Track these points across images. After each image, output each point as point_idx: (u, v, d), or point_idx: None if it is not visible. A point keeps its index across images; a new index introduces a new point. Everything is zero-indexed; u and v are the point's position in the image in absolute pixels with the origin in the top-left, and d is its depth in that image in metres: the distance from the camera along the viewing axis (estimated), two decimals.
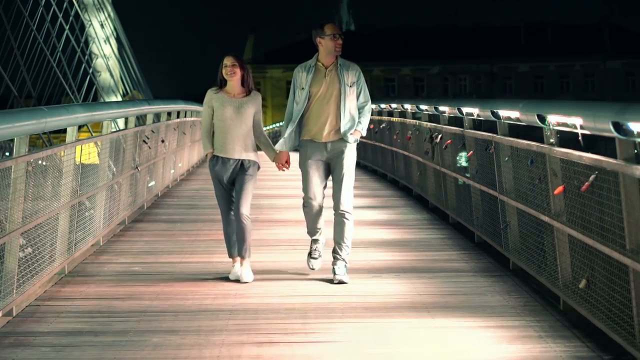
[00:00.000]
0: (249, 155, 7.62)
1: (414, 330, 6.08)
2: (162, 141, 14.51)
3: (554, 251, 6.81)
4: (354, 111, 7.56)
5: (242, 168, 7.61)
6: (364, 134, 7.65)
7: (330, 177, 7.71)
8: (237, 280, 7.62)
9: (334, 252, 7.66)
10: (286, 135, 7.62)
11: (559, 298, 6.67)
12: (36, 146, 22.25)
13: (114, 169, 10.92)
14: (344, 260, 7.62)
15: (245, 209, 7.60)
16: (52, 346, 5.73)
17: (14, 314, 6.51)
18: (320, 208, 7.73)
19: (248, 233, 7.64)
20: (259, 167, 7.71)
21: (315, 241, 7.90)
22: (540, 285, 7.21)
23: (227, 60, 7.57)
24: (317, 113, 7.54)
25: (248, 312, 6.42)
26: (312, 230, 7.87)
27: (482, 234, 9.40)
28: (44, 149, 7.79)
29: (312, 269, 7.86)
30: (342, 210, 7.58)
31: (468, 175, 10.22)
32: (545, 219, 6.99)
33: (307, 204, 7.72)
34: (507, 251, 8.32)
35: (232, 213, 7.68)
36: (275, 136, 48.76)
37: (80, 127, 9.08)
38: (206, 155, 7.76)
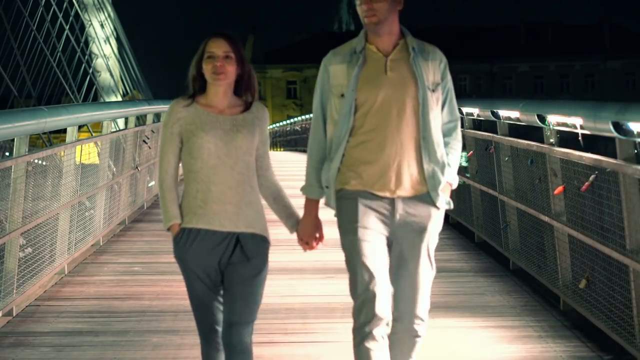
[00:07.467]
0: (252, 225, 4.07)
1: None
2: None
3: (554, 251, 6.81)
4: (441, 139, 3.98)
5: (239, 251, 4.01)
6: (455, 185, 4.04)
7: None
8: None
9: None
10: (315, 181, 4.10)
11: (559, 298, 6.67)
12: (36, 146, 22.24)
13: (114, 169, 10.93)
14: None
15: (248, 331, 3.97)
16: (52, 346, 5.73)
17: (14, 314, 6.51)
18: (388, 331, 4.00)
19: None
20: (269, 246, 4.18)
21: None
22: (540, 285, 7.21)
23: (216, 47, 3.85)
24: (377, 142, 3.88)
25: None
26: None
27: (482, 234, 9.39)
28: (44, 149, 7.79)
29: None
30: (416, 322, 4.11)
31: (468, 175, 10.22)
32: (545, 219, 6.99)
33: (368, 323, 3.87)
34: (507, 251, 8.31)
35: (220, 333, 3.99)
36: (276, 136, 47.39)
37: (80, 127, 9.09)
38: (168, 229, 3.95)
